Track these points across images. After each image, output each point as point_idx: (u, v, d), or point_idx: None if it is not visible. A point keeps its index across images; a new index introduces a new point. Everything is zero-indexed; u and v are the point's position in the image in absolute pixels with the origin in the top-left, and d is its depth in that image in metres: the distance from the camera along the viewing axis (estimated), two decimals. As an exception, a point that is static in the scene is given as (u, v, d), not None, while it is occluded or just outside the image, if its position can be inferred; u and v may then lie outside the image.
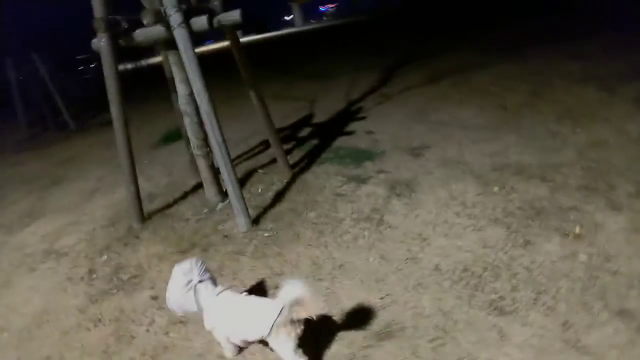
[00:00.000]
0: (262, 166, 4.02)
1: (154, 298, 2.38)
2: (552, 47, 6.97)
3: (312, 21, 53.40)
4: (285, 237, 2.72)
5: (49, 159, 6.72)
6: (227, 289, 1.81)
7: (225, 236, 2.87)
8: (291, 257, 2.50)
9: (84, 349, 2.12)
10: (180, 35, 2.62)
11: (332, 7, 53.83)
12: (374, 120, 5.00)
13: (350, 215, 2.84)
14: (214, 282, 1.82)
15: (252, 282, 2.34)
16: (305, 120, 5.64)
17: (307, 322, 1.61)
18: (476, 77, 6.11)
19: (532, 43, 7.67)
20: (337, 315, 1.96)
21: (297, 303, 1.55)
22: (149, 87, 12.97)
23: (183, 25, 2.61)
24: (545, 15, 11.79)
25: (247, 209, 2.89)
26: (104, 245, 3.14)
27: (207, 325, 1.80)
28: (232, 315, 1.72)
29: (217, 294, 1.77)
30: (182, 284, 1.76)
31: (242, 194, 2.85)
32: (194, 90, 2.71)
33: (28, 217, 4.17)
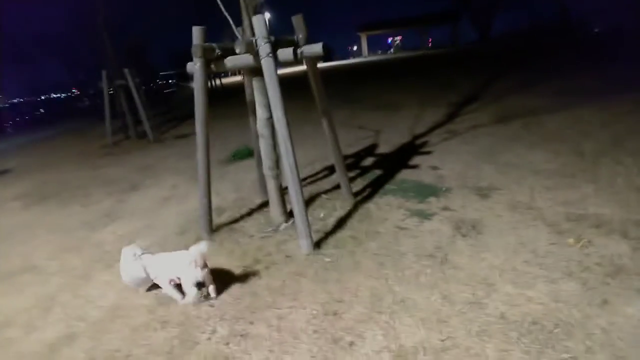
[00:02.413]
0: (326, 191, 4.11)
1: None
2: (636, 95, 6.53)
3: (379, 52, 54.25)
4: (346, 265, 2.75)
5: (128, 165, 7.33)
6: (161, 253, 2.70)
7: (288, 256, 2.95)
8: (351, 286, 2.51)
9: (151, 347, 2.26)
10: (267, 65, 2.82)
11: (397, 40, 54.16)
12: (440, 155, 4.94)
13: (412, 251, 2.82)
14: (152, 254, 2.69)
15: (311, 305, 2.38)
16: (369, 150, 5.70)
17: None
18: (551, 120, 5.87)
19: (615, 89, 7.24)
20: (394, 351, 1.94)
21: (200, 255, 2.43)
22: (220, 105, 13.81)
23: (271, 55, 2.81)
24: (632, 61, 11.11)
25: (310, 233, 2.97)
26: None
27: (152, 277, 2.61)
28: (164, 264, 2.56)
29: (154, 256, 2.64)
30: (130, 258, 2.60)
31: (307, 217, 2.94)
32: (274, 116, 2.88)
33: (107, 217, 4.56)
